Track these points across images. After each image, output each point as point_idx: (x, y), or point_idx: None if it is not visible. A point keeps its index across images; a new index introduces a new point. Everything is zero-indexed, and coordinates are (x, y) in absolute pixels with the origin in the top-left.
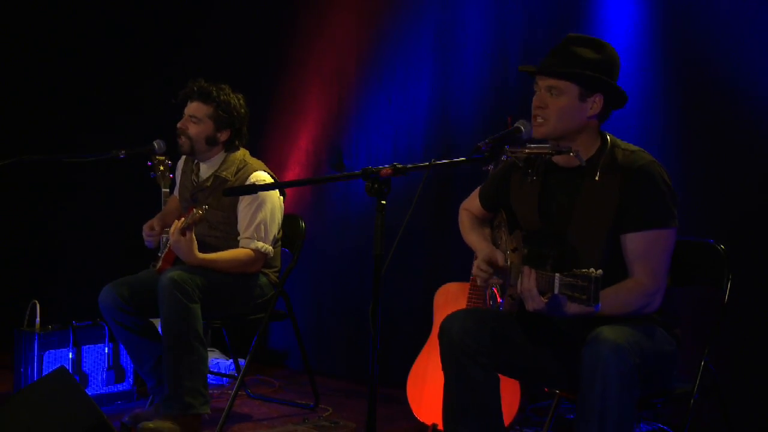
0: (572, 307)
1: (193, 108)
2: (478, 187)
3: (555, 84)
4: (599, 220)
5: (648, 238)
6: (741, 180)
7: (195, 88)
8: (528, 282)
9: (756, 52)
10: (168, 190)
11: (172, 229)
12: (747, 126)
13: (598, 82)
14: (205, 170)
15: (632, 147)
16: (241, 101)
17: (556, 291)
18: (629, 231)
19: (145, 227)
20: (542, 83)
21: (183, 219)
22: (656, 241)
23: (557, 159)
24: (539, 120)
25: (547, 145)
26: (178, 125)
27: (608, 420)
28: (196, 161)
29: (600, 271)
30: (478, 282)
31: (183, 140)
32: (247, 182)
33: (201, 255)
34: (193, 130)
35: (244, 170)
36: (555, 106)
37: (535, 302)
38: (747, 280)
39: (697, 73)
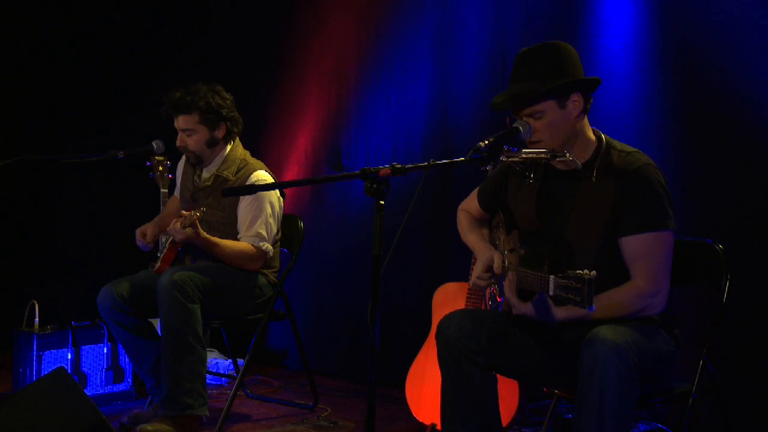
0: (560, 312)
1: (181, 122)
2: (477, 188)
3: (532, 110)
4: (595, 222)
5: (645, 241)
6: (740, 180)
7: (173, 104)
8: (508, 290)
9: (754, 52)
10: (167, 190)
11: (170, 227)
12: (745, 126)
13: (569, 85)
14: (207, 170)
15: (628, 148)
16: (221, 93)
17: (550, 293)
18: (626, 234)
19: (138, 232)
20: (521, 113)
21: (181, 220)
22: (653, 243)
23: (554, 163)
24: (535, 144)
25: (543, 150)
26: (178, 144)
27: (607, 419)
28: None
29: (594, 273)
30: (476, 288)
31: (188, 155)
32: (248, 182)
33: (206, 235)
34: (191, 142)
35: (245, 170)
36: (543, 126)
37: (517, 308)
38: (745, 279)
39: (696, 73)
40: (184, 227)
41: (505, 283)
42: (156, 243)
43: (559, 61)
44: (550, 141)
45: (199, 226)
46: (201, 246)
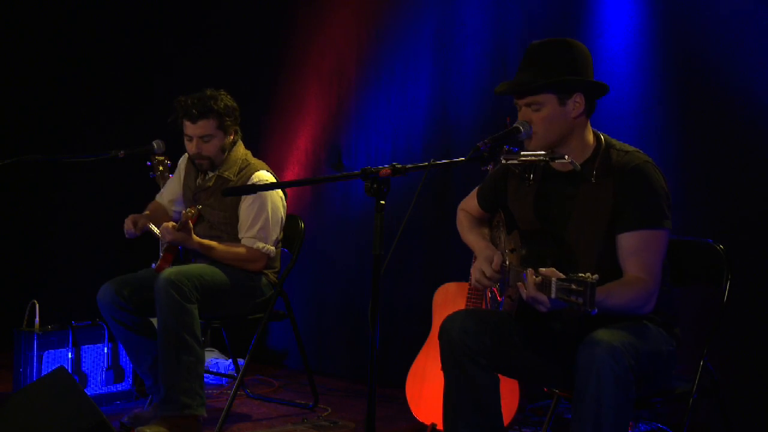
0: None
1: (200, 128)
2: (476, 188)
3: (532, 99)
4: (595, 223)
5: (641, 238)
6: (740, 180)
7: (189, 110)
8: (530, 290)
9: (754, 51)
10: None
11: (163, 225)
12: (746, 125)
13: (571, 84)
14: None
15: (627, 147)
16: (228, 96)
17: (552, 295)
18: (623, 231)
19: (129, 221)
20: (521, 101)
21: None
22: (649, 241)
23: (553, 164)
24: (532, 137)
25: (542, 152)
26: (192, 153)
27: (604, 421)
28: None
29: (596, 276)
30: (475, 285)
31: (201, 161)
32: (249, 182)
33: (198, 239)
34: (209, 148)
35: (247, 170)
36: (539, 118)
37: (545, 305)
38: (746, 279)
39: (696, 73)
40: (177, 229)
41: (527, 283)
42: (144, 233)
43: (569, 58)
44: (543, 135)
45: (192, 231)
46: (195, 251)
